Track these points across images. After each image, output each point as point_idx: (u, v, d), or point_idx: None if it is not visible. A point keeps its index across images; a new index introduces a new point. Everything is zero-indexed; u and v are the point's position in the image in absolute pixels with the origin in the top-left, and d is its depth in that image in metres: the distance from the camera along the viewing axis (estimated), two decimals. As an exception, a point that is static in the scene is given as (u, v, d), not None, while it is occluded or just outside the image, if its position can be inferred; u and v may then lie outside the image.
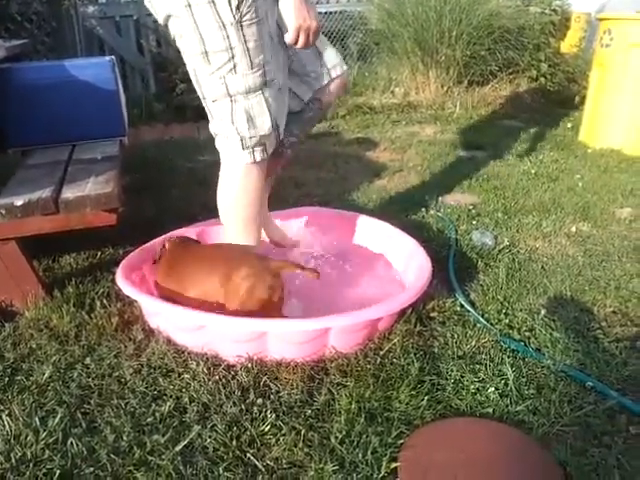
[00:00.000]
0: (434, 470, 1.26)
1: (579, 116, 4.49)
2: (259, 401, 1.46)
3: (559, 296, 1.99)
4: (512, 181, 3.24)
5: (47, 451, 1.30)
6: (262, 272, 1.63)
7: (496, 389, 1.51)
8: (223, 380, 1.54)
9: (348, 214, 2.44)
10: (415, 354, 1.63)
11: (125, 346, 1.69)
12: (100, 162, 2.25)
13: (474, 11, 5.09)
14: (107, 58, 2.75)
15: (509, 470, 1.29)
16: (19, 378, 1.57)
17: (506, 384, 1.53)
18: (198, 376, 1.55)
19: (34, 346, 1.70)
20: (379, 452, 1.30)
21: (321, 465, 1.26)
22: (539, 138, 4.27)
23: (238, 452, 1.30)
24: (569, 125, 4.62)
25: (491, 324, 1.80)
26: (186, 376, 1.55)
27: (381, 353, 1.64)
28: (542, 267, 2.22)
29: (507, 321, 1.82)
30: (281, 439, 1.34)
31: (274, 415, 1.41)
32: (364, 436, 1.34)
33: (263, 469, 1.26)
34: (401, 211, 2.81)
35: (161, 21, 1.65)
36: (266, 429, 1.36)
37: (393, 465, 1.26)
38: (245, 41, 1.56)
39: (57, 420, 1.39)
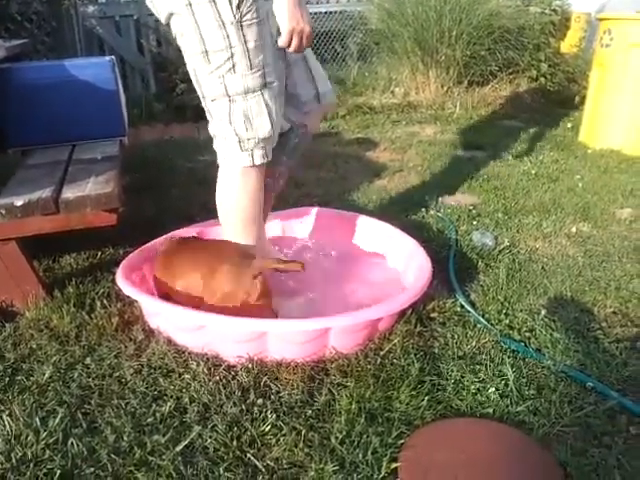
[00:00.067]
0: (434, 470, 1.26)
1: (579, 116, 4.49)
2: (259, 401, 1.46)
3: (559, 296, 1.99)
4: (512, 181, 3.24)
5: (47, 451, 1.30)
6: (240, 275, 1.64)
7: (496, 389, 1.51)
8: (223, 380, 1.54)
9: (348, 214, 2.44)
10: (415, 354, 1.63)
11: (125, 346, 1.69)
12: (100, 162, 2.25)
13: (474, 11, 5.09)
14: (107, 58, 2.75)
15: (509, 470, 1.29)
16: (19, 378, 1.57)
17: (506, 384, 1.53)
18: (198, 376, 1.55)
19: (34, 346, 1.70)
20: (379, 452, 1.30)
21: (321, 465, 1.26)
22: (539, 138, 4.28)
23: (238, 452, 1.30)
24: (569, 125, 4.62)
25: (491, 324, 1.80)
26: (186, 376, 1.55)
27: (381, 353, 1.64)
28: (542, 267, 2.22)
29: (507, 321, 1.82)
30: (281, 439, 1.34)
31: (274, 415, 1.41)
32: (364, 436, 1.34)
33: (263, 469, 1.26)
34: (401, 211, 2.81)
35: (163, 20, 1.65)
36: (266, 429, 1.36)
37: (393, 465, 1.26)
38: (245, 41, 1.56)
39: (57, 420, 1.39)
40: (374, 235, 2.29)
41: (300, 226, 2.42)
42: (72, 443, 1.32)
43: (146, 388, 1.51)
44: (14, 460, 1.27)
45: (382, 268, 2.16)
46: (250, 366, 1.58)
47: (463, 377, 1.56)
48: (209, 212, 2.21)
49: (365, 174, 3.47)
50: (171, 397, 1.48)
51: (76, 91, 2.65)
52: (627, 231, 2.57)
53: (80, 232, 1.90)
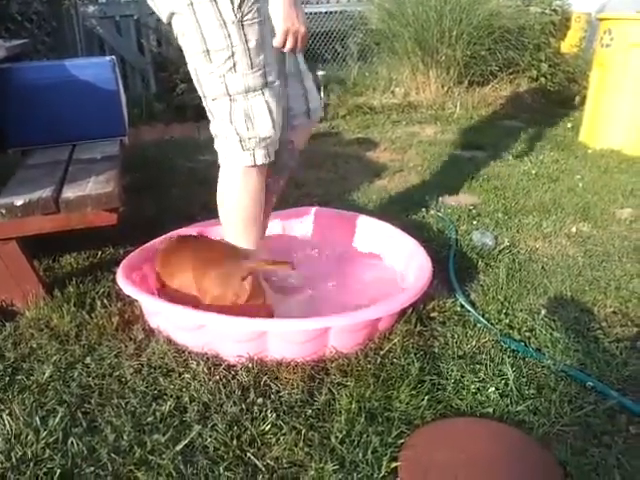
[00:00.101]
0: (434, 470, 1.26)
1: (579, 116, 4.49)
2: (259, 401, 1.46)
3: (559, 296, 1.99)
4: (512, 181, 3.24)
5: (47, 450, 1.30)
6: (228, 277, 1.66)
7: (496, 389, 1.51)
8: (223, 380, 1.54)
9: (348, 214, 2.44)
10: (415, 354, 1.63)
11: (125, 346, 1.69)
12: (100, 162, 2.25)
13: (474, 11, 5.09)
14: (107, 58, 2.75)
15: (509, 470, 1.29)
16: (20, 377, 1.57)
17: (506, 384, 1.53)
18: (198, 376, 1.55)
19: (34, 346, 1.70)
20: (379, 452, 1.30)
21: (321, 465, 1.26)
22: (539, 138, 4.28)
23: (238, 451, 1.30)
24: (569, 125, 4.62)
25: (491, 324, 1.81)
26: (186, 376, 1.55)
27: (381, 353, 1.64)
28: (542, 267, 2.22)
29: (507, 321, 1.83)
30: (281, 439, 1.34)
31: (274, 415, 1.41)
32: (364, 436, 1.34)
33: (263, 468, 1.26)
34: (401, 211, 2.81)
35: (164, 19, 1.65)
36: (266, 429, 1.36)
37: (393, 465, 1.26)
38: (246, 40, 1.56)
39: (57, 419, 1.39)
40: (374, 235, 2.29)
41: (300, 226, 2.42)
42: (72, 442, 1.32)
43: (146, 387, 1.51)
44: (14, 459, 1.27)
45: (382, 268, 2.16)
46: (250, 365, 1.58)
47: (463, 377, 1.56)
48: (209, 212, 2.22)
49: (365, 174, 3.47)
50: (171, 396, 1.48)
51: (76, 91, 2.66)
52: (627, 231, 2.57)
53: (80, 232, 1.91)
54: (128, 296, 1.79)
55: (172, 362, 1.61)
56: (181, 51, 1.76)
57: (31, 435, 1.34)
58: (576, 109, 5.09)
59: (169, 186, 3.18)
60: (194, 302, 1.68)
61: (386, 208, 2.86)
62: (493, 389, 1.50)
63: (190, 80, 1.74)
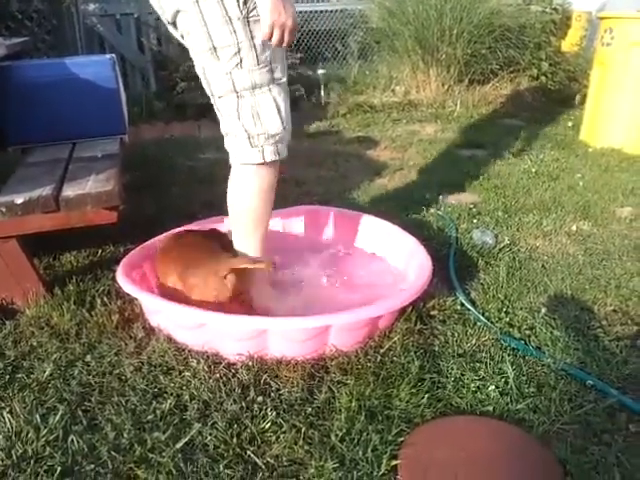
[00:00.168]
0: (434, 468, 1.26)
1: (580, 115, 4.49)
2: (259, 399, 1.46)
3: (559, 295, 1.99)
4: (513, 180, 3.24)
5: (48, 448, 1.30)
6: (209, 276, 1.68)
7: (496, 387, 1.51)
8: (224, 378, 1.54)
9: (348, 212, 2.44)
10: (415, 352, 1.63)
11: (126, 344, 1.69)
12: (100, 160, 2.25)
13: (475, 9, 5.08)
14: (107, 56, 2.75)
15: (509, 468, 1.29)
16: (20, 376, 1.57)
17: (506, 382, 1.53)
18: (199, 374, 1.55)
19: (35, 344, 1.70)
20: (379, 450, 1.30)
21: (321, 463, 1.26)
22: (540, 137, 4.27)
23: (238, 449, 1.30)
24: (570, 124, 4.62)
25: (491, 322, 1.81)
26: (187, 374, 1.55)
27: (381, 351, 1.64)
28: (542, 266, 2.22)
29: (507, 319, 1.83)
30: (281, 437, 1.34)
31: (274, 413, 1.41)
32: (364, 434, 1.34)
33: (263, 466, 1.26)
34: (401, 210, 2.81)
35: (169, 18, 1.64)
36: (266, 427, 1.36)
37: (393, 463, 1.27)
38: (252, 37, 1.55)
39: (58, 417, 1.39)
40: (374, 233, 2.29)
41: (300, 224, 2.41)
42: (72, 440, 1.32)
43: (146, 385, 1.52)
44: (15, 457, 1.28)
45: (382, 266, 2.16)
46: (250, 364, 1.58)
47: (463, 375, 1.56)
48: (209, 210, 2.22)
49: (366, 173, 3.47)
50: (171, 394, 1.48)
51: (76, 89, 2.66)
52: (627, 230, 2.57)
53: (80, 230, 1.91)
54: (128, 294, 1.79)
55: (172, 360, 1.61)
56: (181, 49, 1.76)
57: (31, 433, 1.34)
58: (576, 108, 5.08)
59: (169, 184, 3.18)
60: (185, 300, 1.70)
61: (386, 206, 2.86)
62: (493, 387, 1.51)
63: (190, 79, 1.75)
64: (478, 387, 1.51)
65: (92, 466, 1.26)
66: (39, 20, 5.15)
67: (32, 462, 1.26)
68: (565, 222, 2.63)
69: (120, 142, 2.63)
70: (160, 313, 1.72)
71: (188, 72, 1.84)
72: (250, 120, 1.64)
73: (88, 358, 1.63)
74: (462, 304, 1.90)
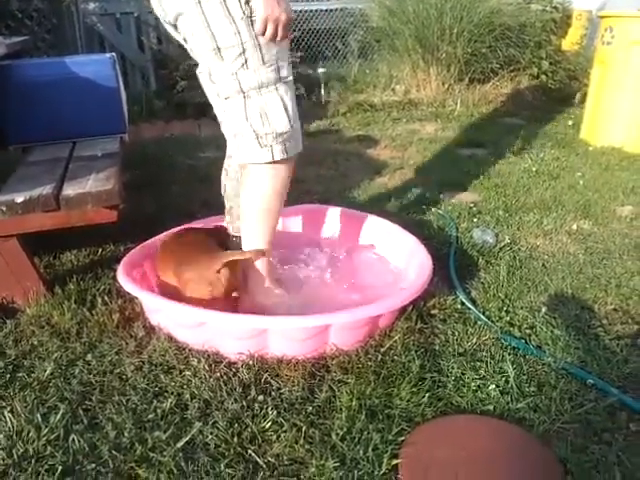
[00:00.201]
0: (435, 467, 1.26)
1: (580, 114, 4.49)
2: (260, 398, 1.46)
3: (560, 294, 1.99)
4: (513, 179, 3.24)
5: (49, 447, 1.30)
6: (202, 271, 1.71)
7: (497, 386, 1.51)
8: (224, 377, 1.54)
9: (348, 211, 2.44)
10: (416, 351, 1.63)
11: (126, 343, 1.69)
12: (101, 159, 2.25)
13: (475, 8, 5.08)
14: (108, 55, 2.75)
15: (510, 467, 1.29)
16: (21, 375, 1.57)
17: (507, 381, 1.53)
18: (199, 373, 1.55)
19: (35, 343, 1.70)
20: (380, 449, 1.30)
21: (322, 462, 1.26)
22: (540, 136, 4.27)
23: (239, 449, 1.30)
24: (570, 123, 4.62)
25: (492, 322, 1.81)
26: (187, 373, 1.55)
27: (382, 350, 1.64)
28: (543, 265, 2.22)
29: (508, 319, 1.83)
30: (282, 436, 1.34)
31: (275, 412, 1.41)
32: (365, 433, 1.34)
33: (264, 465, 1.26)
34: (402, 209, 2.81)
35: (171, 20, 1.64)
36: (267, 426, 1.37)
37: (394, 462, 1.27)
38: (256, 36, 1.55)
39: (59, 416, 1.39)
40: (375, 232, 2.29)
41: (300, 223, 2.41)
42: (73, 439, 1.32)
43: (147, 385, 1.52)
44: (16, 456, 1.28)
45: (382, 265, 2.16)
46: (251, 363, 1.58)
47: (464, 374, 1.56)
48: (209, 209, 2.22)
49: (366, 171, 3.47)
50: (172, 393, 1.48)
51: (77, 88, 2.65)
52: (628, 228, 2.57)
53: (81, 229, 1.91)
54: (129, 293, 1.79)
55: (173, 359, 1.61)
56: (182, 49, 1.76)
57: (32, 432, 1.34)
58: (577, 106, 5.08)
59: (169, 183, 3.18)
60: (181, 295, 1.72)
61: (386, 205, 2.86)
62: (493, 386, 1.51)
63: (190, 77, 1.74)
64: (479, 386, 1.52)
65: (93, 465, 1.26)
66: (39, 19, 5.15)
67: (33, 461, 1.26)
68: (565, 221, 2.63)
69: (120, 141, 2.63)
70: (160, 312, 1.73)
71: (188, 71, 1.85)
72: (258, 120, 1.63)
73: (89, 357, 1.63)
74: (462, 303, 1.90)
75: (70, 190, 1.84)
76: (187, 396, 1.47)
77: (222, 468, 1.25)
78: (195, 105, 4.46)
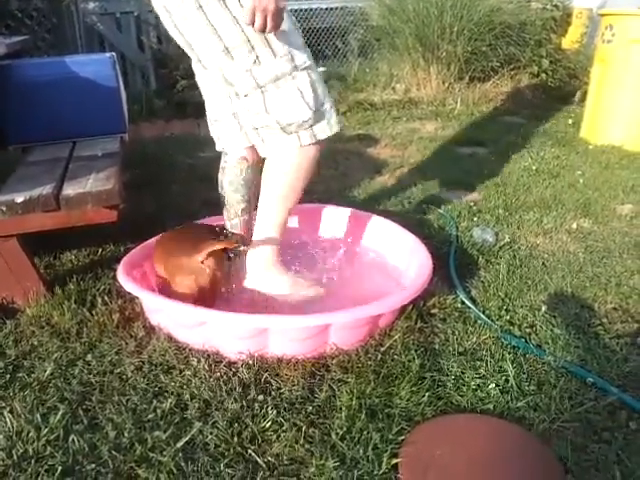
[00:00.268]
0: (435, 466, 1.26)
1: (580, 112, 4.48)
2: (260, 397, 1.46)
3: (560, 292, 1.99)
4: (513, 177, 3.24)
5: (49, 447, 1.30)
6: (187, 262, 1.73)
7: (497, 385, 1.51)
8: (224, 377, 1.54)
9: (348, 211, 2.43)
10: (416, 350, 1.63)
11: (126, 343, 1.69)
12: (101, 159, 2.25)
13: (475, 7, 5.08)
14: (108, 54, 2.75)
15: (509, 466, 1.29)
16: (20, 375, 1.57)
17: (507, 380, 1.53)
18: (199, 373, 1.55)
19: (35, 343, 1.71)
20: (380, 448, 1.30)
21: (322, 461, 1.26)
22: (540, 134, 4.27)
23: (239, 448, 1.30)
24: (570, 121, 4.61)
25: (492, 320, 1.80)
26: (187, 373, 1.55)
27: (382, 349, 1.64)
28: (543, 264, 2.22)
29: (508, 317, 1.83)
30: (282, 435, 1.34)
31: (275, 411, 1.41)
32: (365, 432, 1.34)
33: (264, 465, 1.26)
34: (402, 208, 2.81)
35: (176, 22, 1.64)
36: (267, 425, 1.37)
37: (394, 461, 1.27)
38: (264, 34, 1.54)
39: (58, 417, 1.39)
40: (375, 232, 2.29)
41: (300, 223, 2.41)
42: (73, 439, 1.32)
43: (147, 384, 1.52)
44: (15, 456, 1.28)
45: (382, 264, 2.16)
46: (251, 362, 1.58)
47: (464, 373, 1.56)
48: (209, 208, 2.22)
49: (366, 170, 3.47)
50: (172, 393, 1.48)
51: (77, 88, 2.65)
52: (628, 227, 2.56)
53: (81, 229, 1.91)
54: (129, 293, 1.80)
55: (173, 359, 1.61)
56: (181, 49, 1.76)
57: (32, 432, 1.34)
58: (577, 105, 5.08)
59: (169, 183, 3.18)
60: (170, 287, 1.76)
61: (386, 204, 2.86)
62: (493, 385, 1.51)
63: (190, 77, 1.74)
64: (478, 385, 1.51)
65: (93, 465, 1.26)
66: (39, 19, 5.15)
67: (33, 462, 1.26)
68: (565, 220, 2.63)
69: (120, 140, 2.63)
70: (160, 312, 1.73)
71: (188, 70, 1.84)
72: (279, 112, 1.64)
73: (89, 357, 1.63)
74: (462, 302, 1.90)
75: (70, 190, 1.84)
76: (187, 396, 1.47)
77: (222, 468, 1.25)
78: (195, 104, 4.44)
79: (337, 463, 1.26)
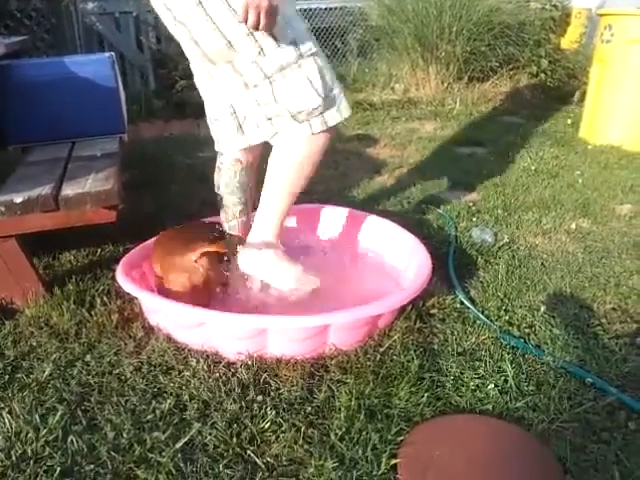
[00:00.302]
0: (434, 467, 1.26)
1: (579, 112, 4.49)
2: (259, 398, 1.46)
3: (559, 293, 1.99)
4: (512, 177, 3.24)
5: (47, 448, 1.30)
6: (180, 261, 1.76)
7: (496, 386, 1.51)
8: (223, 377, 1.54)
9: (347, 211, 2.43)
10: (415, 351, 1.63)
11: (125, 343, 1.69)
12: (100, 159, 2.25)
13: (474, 7, 5.08)
14: (107, 55, 2.75)
15: (508, 466, 1.29)
16: (19, 376, 1.57)
17: (506, 381, 1.53)
18: (198, 373, 1.55)
19: (34, 344, 1.70)
20: (379, 449, 1.30)
21: (321, 462, 1.26)
22: (539, 134, 4.27)
23: (238, 449, 1.30)
24: (569, 121, 4.61)
25: (491, 321, 1.80)
26: (186, 373, 1.55)
27: (381, 350, 1.64)
28: (542, 264, 2.22)
29: (507, 318, 1.83)
30: (281, 436, 1.34)
31: (274, 412, 1.41)
32: (364, 433, 1.34)
33: (263, 466, 1.26)
34: (401, 208, 2.81)
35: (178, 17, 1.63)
36: (266, 426, 1.36)
37: (393, 462, 1.27)
38: None
39: (57, 417, 1.39)
40: (374, 232, 2.29)
41: (299, 223, 2.41)
42: (72, 440, 1.32)
43: (146, 385, 1.52)
44: (14, 457, 1.28)
45: (382, 265, 2.16)
46: (250, 363, 1.58)
47: (463, 373, 1.56)
48: (209, 208, 2.22)
49: (365, 170, 3.47)
50: (171, 394, 1.48)
51: (76, 88, 2.65)
52: (627, 227, 2.57)
53: (80, 229, 1.90)
54: (128, 294, 1.79)
55: (172, 360, 1.61)
56: (181, 48, 1.75)
57: (31, 433, 1.34)
58: (576, 105, 5.08)
59: (168, 183, 3.18)
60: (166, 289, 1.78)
61: (386, 205, 2.86)
62: (492, 386, 1.51)
63: (189, 77, 1.73)
64: (477, 386, 1.52)
65: (92, 466, 1.26)
66: (38, 19, 5.14)
67: (31, 462, 1.26)
68: (564, 220, 2.63)
69: (119, 141, 2.62)
70: (159, 312, 1.73)
71: (187, 70, 1.83)
72: (288, 101, 1.63)
73: (88, 358, 1.63)
74: (461, 302, 1.90)
75: (69, 190, 1.84)
76: (186, 397, 1.47)
77: (221, 469, 1.25)
78: (194, 104, 4.44)
79: (336, 464, 1.26)
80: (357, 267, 2.14)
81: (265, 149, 1.92)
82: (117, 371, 1.58)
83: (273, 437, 1.34)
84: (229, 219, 1.96)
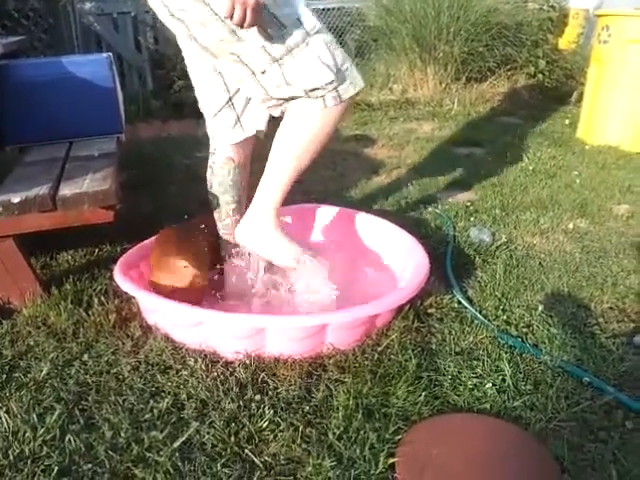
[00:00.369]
0: (432, 465, 1.26)
1: (577, 112, 4.49)
2: (257, 397, 1.46)
3: (556, 292, 2.00)
4: (510, 178, 3.25)
5: (45, 448, 1.30)
6: (167, 260, 1.77)
7: (493, 385, 1.51)
8: (221, 377, 1.54)
9: (345, 211, 2.43)
10: (413, 350, 1.63)
11: (123, 343, 1.69)
12: (97, 159, 2.25)
13: (472, 7, 5.09)
14: (104, 55, 2.75)
15: (506, 466, 1.29)
16: (17, 375, 1.57)
17: (503, 380, 1.53)
18: (196, 373, 1.55)
19: (32, 343, 1.70)
20: (377, 448, 1.30)
21: (319, 461, 1.26)
22: (537, 135, 4.28)
23: (236, 448, 1.30)
24: (567, 121, 4.62)
25: (489, 320, 1.81)
26: (184, 373, 1.55)
27: (379, 349, 1.64)
28: (540, 263, 2.22)
29: (505, 317, 1.83)
30: (279, 435, 1.34)
31: (272, 411, 1.41)
32: (362, 432, 1.34)
33: (261, 465, 1.26)
34: (399, 208, 2.81)
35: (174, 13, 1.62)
36: (264, 425, 1.37)
37: (391, 461, 1.27)
38: (265, 6, 1.51)
39: (55, 417, 1.39)
40: (372, 232, 2.29)
41: (298, 223, 2.41)
42: (69, 439, 1.32)
43: (144, 384, 1.52)
44: (12, 457, 1.27)
45: (380, 264, 2.16)
46: (248, 362, 1.58)
47: (460, 373, 1.56)
48: (206, 208, 2.21)
49: (363, 171, 3.47)
50: (169, 393, 1.48)
51: (73, 88, 2.65)
52: (624, 227, 2.57)
53: (77, 229, 1.90)
54: (125, 293, 1.79)
55: (170, 359, 1.61)
56: (179, 48, 1.75)
57: (29, 432, 1.34)
58: (573, 105, 5.09)
59: (166, 183, 3.18)
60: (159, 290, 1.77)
61: (383, 205, 2.86)
62: (490, 385, 1.51)
63: (187, 77, 1.73)
64: (475, 385, 1.52)
65: (89, 465, 1.26)
66: (35, 19, 5.14)
67: (29, 462, 1.26)
68: (562, 220, 2.64)
69: (117, 141, 2.62)
70: (157, 311, 1.72)
71: (185, 70, 1.83)
72: (300, 80, 1.61)
73: (85, 357, 1.63)
74: (459, 302, 1.90)
75: (67, 190, 1.84)
76: (184, 396, 1.47)
77: (219, 468, 1.25)
78: (192, 105, 4.41)
79: (334, 463, 1.26)
80: (354, 267, 2.14)
81: (255, 150, 1.93)
82: (115, 370, 1.58)
83: (271, 436, 1.34)
84: (222, 218, 1.95)
